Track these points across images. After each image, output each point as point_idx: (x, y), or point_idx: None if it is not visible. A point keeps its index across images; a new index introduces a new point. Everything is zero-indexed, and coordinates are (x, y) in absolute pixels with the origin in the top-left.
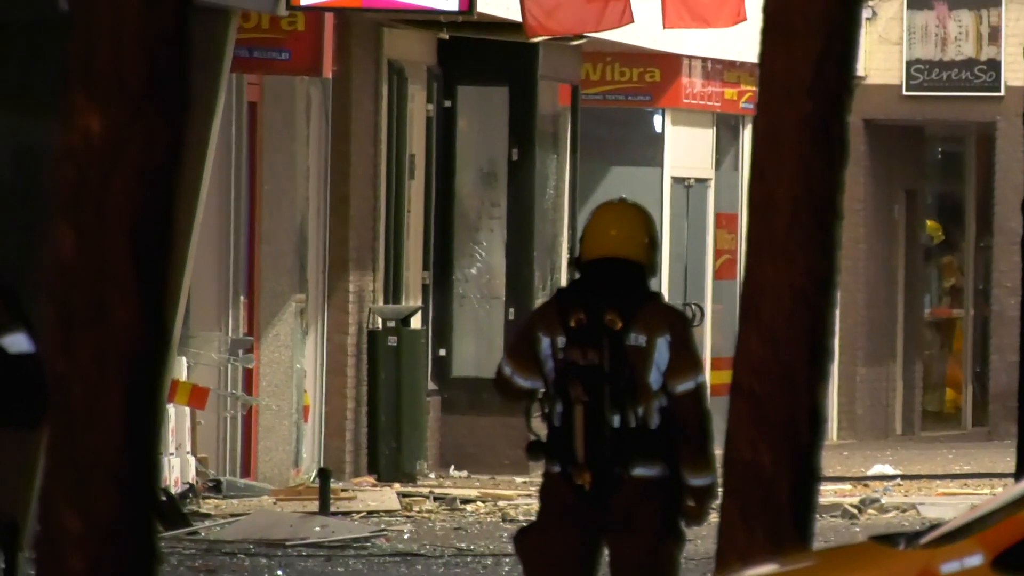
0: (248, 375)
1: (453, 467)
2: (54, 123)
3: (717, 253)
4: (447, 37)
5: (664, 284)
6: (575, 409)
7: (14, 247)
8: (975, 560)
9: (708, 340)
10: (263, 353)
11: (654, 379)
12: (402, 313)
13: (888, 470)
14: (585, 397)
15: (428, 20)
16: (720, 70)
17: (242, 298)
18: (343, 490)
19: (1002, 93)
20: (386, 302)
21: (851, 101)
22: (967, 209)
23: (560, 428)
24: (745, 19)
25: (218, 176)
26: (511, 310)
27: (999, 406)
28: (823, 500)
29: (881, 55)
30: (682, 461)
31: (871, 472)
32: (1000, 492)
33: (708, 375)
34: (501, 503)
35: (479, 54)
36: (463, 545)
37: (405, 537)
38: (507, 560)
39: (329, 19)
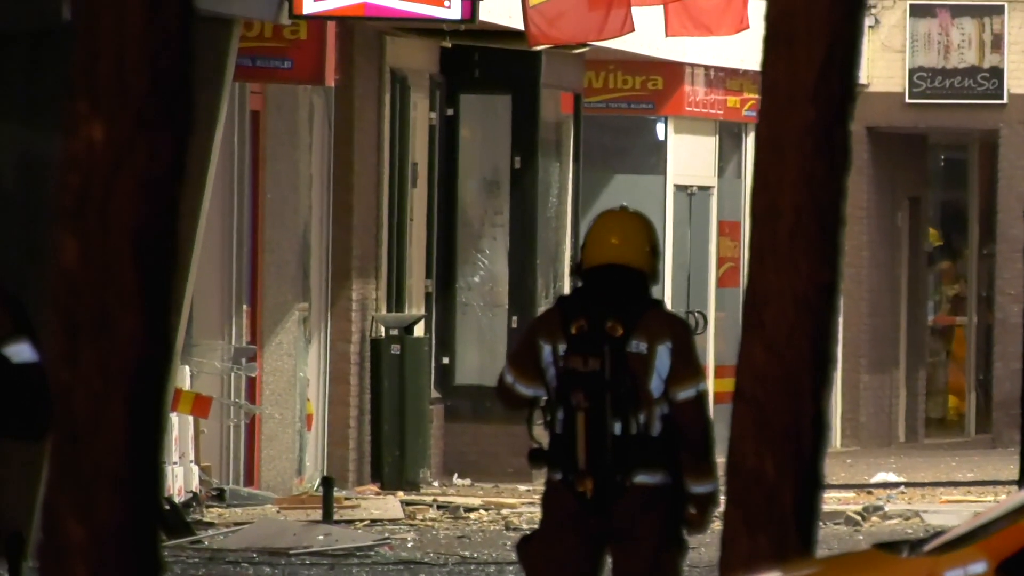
0: (251, 384)
1: (456, 475)
2: (58, 132)
3: (720, 261)
4: (450, 45)
5: (667, 292)
6: (576, 416)
7: (18, 256)
8: (978, 567)
9: (711, 348)
10: (266, 362)
11: (655, 386)
12: (405, 321)
13: (892, 477)
14: (586, 404)
15: (431, 28)
16: (723, 78)
17: (245, 307)
18: (346, 498)
19: (1005, 101)
20: (389, 310)
21: (854, 108)
22: (970, 216)
23: (562, 436)
24: (748, 27)
25: (221, 185)
26: (514, 318)
27: (1002, 413)
28: (826, 507)
29: (884, 63)
30: (684, 469)
31: (875, 479)
32: (1003, 499)
33: (711, 383)
34: (504, 511)
35: (482, 62)
36: (466, 553)
37: (408, 545)
38: (510, 568)
39: (332, 28)
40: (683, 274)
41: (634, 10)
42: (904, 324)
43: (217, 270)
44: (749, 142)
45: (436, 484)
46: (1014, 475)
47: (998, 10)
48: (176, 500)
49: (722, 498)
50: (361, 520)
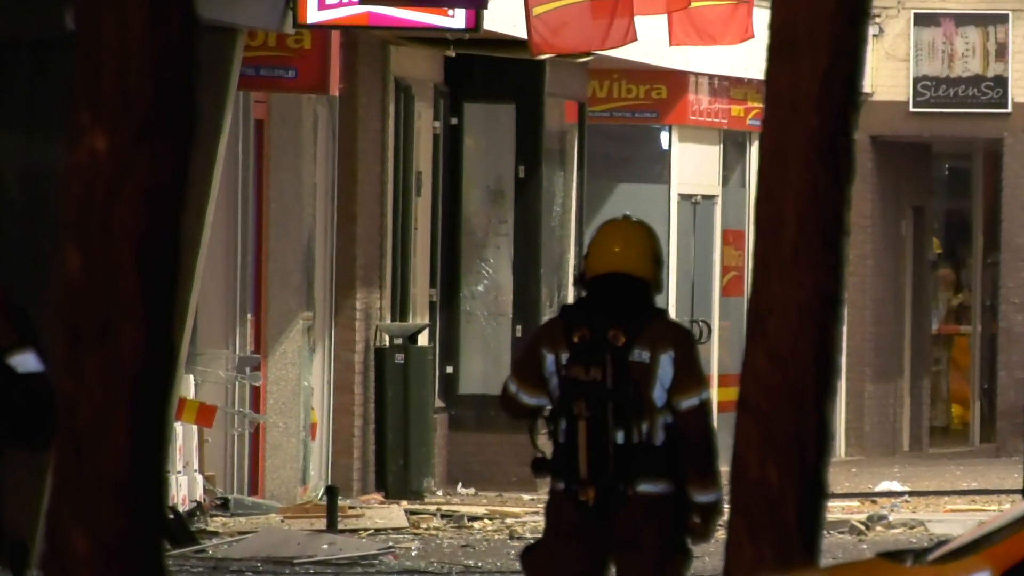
0: (255, 393)
1: (460, 484)
2: (61, 142)
3: (724, 270)
4: (454, 55)
5: (671, 301)
6: (579, 425)
7: (22, 266)
8: None
9: (715, 357)
10: (270, 371)
11: (658, 395)
12: (409, 330)
13: (896, 487)
14: (588, 413)
15: (435, 38)
16: (727, 87)
17: (249, 316)
18: (351, 507)
19: (1009, 110)
20: (393, 319)
21: (858, 118)
22: (974, 225)
23: (565, 445)
24: (752, 36)
25: (225, 194)
26: (518, 327)
27: (1007, 423)
28: (830, 517)
29: (888, 72)
30: (688, 478)
31: (878, 488)
32: (1008, 508)
33: (715, 392)
34: (508, 520)
35: (486, 71)
36: (470, 562)
37: (413, 554)
38: None
39: (336, 37)
40: (687, 283)
41: (638, 19)
42: (908, 333)
43: (221, 279)
44: (753, 151)
45: (440, 493)
46: (1018, 484)
47: (1002, 19)
48: (180, 509)
49: (726, 507)
50: (365, 529)
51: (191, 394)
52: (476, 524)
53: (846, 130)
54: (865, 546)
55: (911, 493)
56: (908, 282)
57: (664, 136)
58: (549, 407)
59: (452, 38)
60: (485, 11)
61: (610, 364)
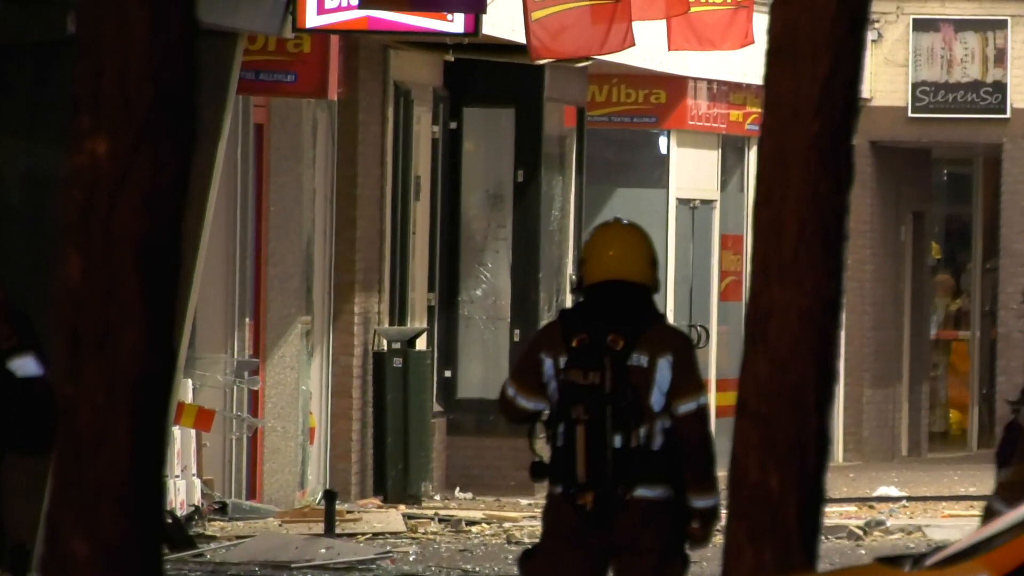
0: (254, 397)
1: (458, 489)
2: (62, 146)
3: (722, 275)
4: (453, 59)
5: (669, 305)
6: (577, 430)
7: (23, 270)
8: None
9: (713, 361)
10: (269, 375)
11: (656, 400)
12: (407, 335)
13: (894, 492)
14: (586, 418)
15: (434, 42)
16: (725, 92)
17: (248, 320)
18: (348, 512)
19: (1008, 115)
20: (392, 324)
21: (857, 123)
22: (974, 231)
23: (563, 449)
24: (752, 42)
25: (225, 198)
26: (517, 331)
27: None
28: (828, 522)
29: (887, 77)
30: (686, 483)
31: (877, 493)
32: (1005, 514)
33: (713, 397)
34: (506, 525)
35: (485, 76)
36: (468, 567)
37: (411, 559)
38: None
39: (335, 41)
40: (685, 288)
41: (637, 24)
42: (907, 338)
43: (220, 283)
44: (752, 156)
45: (438, 497)
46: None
47: (1001, 24)
48: (178, 514)
49: (724, 512)
50: (363, 533)
51: (189, 398)
52: (474, 528)
53: (846, 135)
54: (863, 551)
55: (909, 498)
56: (907, 287)
57: (663, 141)
58: (547, 411)
59: (451, 42)
60: (484, 16)
61: (609, 368)
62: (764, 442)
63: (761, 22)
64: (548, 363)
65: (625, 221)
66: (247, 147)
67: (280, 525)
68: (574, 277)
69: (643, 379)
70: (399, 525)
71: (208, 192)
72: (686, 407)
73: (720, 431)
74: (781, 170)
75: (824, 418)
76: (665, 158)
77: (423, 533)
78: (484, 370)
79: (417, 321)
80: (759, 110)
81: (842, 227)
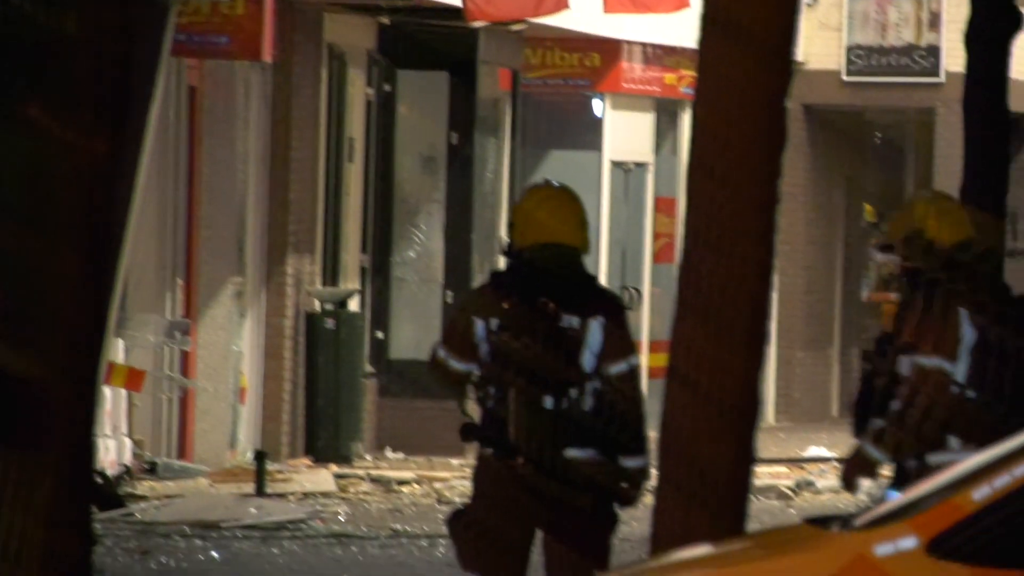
0: (185, 357)
1: (390, 449)
2: None
3: (656, 237)
4: (388, 22)
5: (602, 268)
6: (510, 392)
7: None
8: (909, 543)
9: (646, 323)
10: (200, 335)
11: (588, 361)
12: (340, 296)
13: (824, 452)
14: (519, 380)
15: (368, 5)
16: (660, 55)
17: (180, 281)
18: (279, 472)
19: (942, 79)
20: (324, 285)
21: (791, 87)
22: (907, 195)
23: (494, 411)
24: (688, 5)
25: (157, 160)
26: (449, 294)
27: None
28: (759, 482)
29: (821, 41)
30: (616, 443)
31: (807, 454)
32: (935, 476)
33: (646, 358)
34: (437, 485)
35: (419, 39)
36: (398, 527)
37: (341, 519)
38: (442, 542)
39: (269, 4)
40: (618, 250)
41: None
42: (839, 301)
43: (153, 244)
44: (686, 119)
45: (369, 458)
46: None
47: None
48: (108, 473)
49: (653, 472)
50: (293, 493)
51: (120, 358)
52: (404, 488)
53: (780, 101)
54: (793, 511)
55: (839, 459)
56: (840, 251)
57: (597, 104)
58: (478, 373)
59: (386, 5)
60: None
61: (541, 331)
62: (695, 404)
63: None
64: (480, 325)
65: (556, 184)
66: (180, 109)
67: (210, 485)
68: (504, 240)
69: (575, 341)
70: (330, 485)
71: (140, 154)
72: (617, 368)
73: (652, 392)
74: (714, 135)
75: (754, 381)
76: (599, 121)
77: (354, 493)
78: (416, 332)
79: (350, 283)
80: (693, 74)
81: (775, 191)
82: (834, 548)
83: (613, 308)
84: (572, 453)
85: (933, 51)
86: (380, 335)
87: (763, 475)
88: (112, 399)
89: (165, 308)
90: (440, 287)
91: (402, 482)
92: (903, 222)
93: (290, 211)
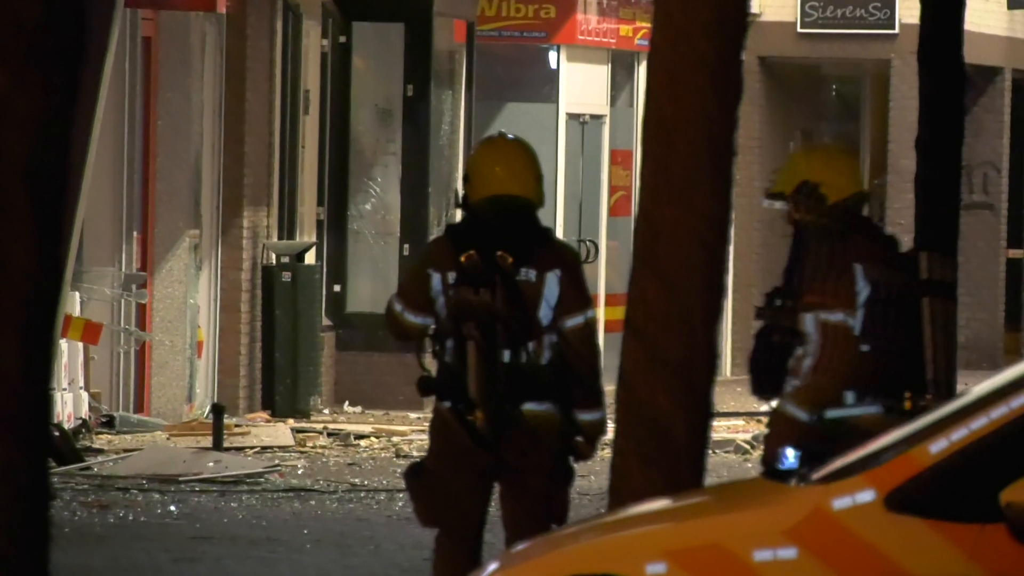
0: (141, 310)
1: (347, 403)
2: None
3: (612, 190)
4: None
5: (559, 221)
6: (468, 346)
7: None
8: (867, 496)
9: (603, 277)
10: (156, 289)
11: (544, 315)
12: (296, 249)
13: None
14: (477, 334)
15: None
16: (615, 7)
17: (136, 234)
18: (237, 426)
19: (896, 31)
20: (280, 238)
21: (746, 39)
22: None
23: (451, 365)
24: None
25: (112, 112)
26: (406, 246)
27: None
28: (716, 436)
29: None
30: (572, 397)
31: (764, 408)
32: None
33: (602, 312)
34: (395, 439)
35: None
36: (357, 480)
37: (299, 472)
38: (400, 495)
39: None
40: (575, 203)
41: None
42: None
43: (108, 197)
44: (641, 71)
45: (327, 412)
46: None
47: None
48: (65, 427)
49: (610, 426)
50: (251, 447)
51: (77, 311)
52: (362, 442)
53: (735, 53)
54: (750, 465)
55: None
56: None
57: (552, 56)
58: (434, 327)
59: None
60: None
61: (498, 284)
62: (652, 360)
63: None
64: (436, 279)
65: (510, 136)
66: (135, 61)
67: (168, 439)
68: (459, 192)
69: (531, 294)
70: (287, 439)
71: (95, 107)
72: (573, 321)
73: (608, 346)
74: (670, 89)
75: (712, 335)
76: (555, 73)
77: (311, 447)
78: (373, 285)
79: (306, 236)
80: (649, 25)
81: (731, 145)
82: (792, 502)
83: (570, 261)
84: (529, 407)
85: (888, 2)
86: (337, 288)
87: (720, 429)
88: (69, 352)
89: (121, 261)
90: (396, 240)
91: (360, 436)
92: (794, 172)
93: (245, 164)
